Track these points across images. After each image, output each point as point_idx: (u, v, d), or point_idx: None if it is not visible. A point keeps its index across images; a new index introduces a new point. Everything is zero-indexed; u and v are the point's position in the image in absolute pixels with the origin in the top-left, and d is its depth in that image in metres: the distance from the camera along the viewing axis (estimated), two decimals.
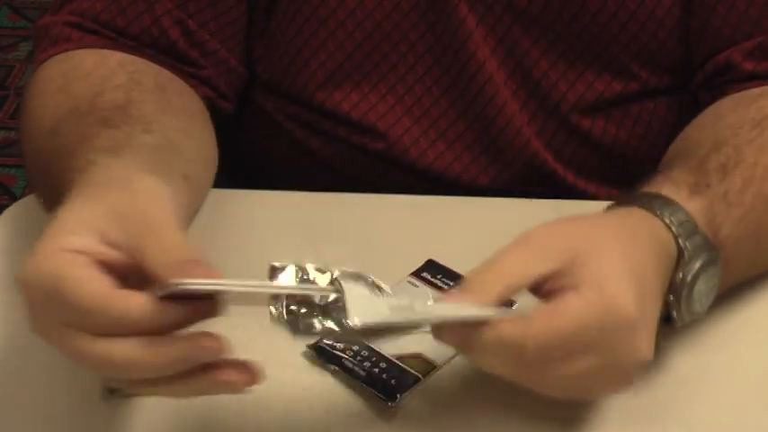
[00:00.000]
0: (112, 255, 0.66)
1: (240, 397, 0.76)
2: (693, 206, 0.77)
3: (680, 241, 0.75)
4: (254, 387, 0.76)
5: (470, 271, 0.70)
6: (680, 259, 0.75)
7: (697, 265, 0.75)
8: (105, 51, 0.91)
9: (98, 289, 0.64)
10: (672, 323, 0.76)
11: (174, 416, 0.75)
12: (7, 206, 0.93)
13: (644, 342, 0.70)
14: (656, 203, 0.76)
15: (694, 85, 0.97)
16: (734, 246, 0.79)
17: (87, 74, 0.89)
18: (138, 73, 0.89)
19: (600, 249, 0.71)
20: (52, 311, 0.66)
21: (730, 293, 0.83)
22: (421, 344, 0.78)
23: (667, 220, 0.75)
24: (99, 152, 0.76)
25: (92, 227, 0.67)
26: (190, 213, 0.83)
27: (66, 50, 0.92)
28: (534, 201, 0.93)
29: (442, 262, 0.85)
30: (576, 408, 0.76)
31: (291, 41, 0.97)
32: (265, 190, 0.94)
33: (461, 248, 0.86)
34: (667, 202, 0.76)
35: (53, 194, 0.79)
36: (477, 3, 0.94)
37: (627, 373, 0.71)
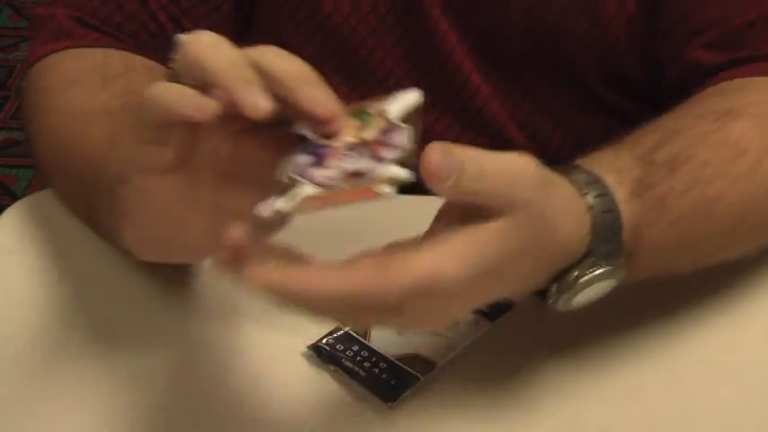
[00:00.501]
0: None
1: (240, 397, 0.76)
2: (627, 208, 0.72)
3: (593, 244, 0.70)
4: (254, 387, 0.77)
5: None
6: (583, 258, 0.70)
7: (595, 272, 0.71)
8: (124, 53, 0.91)
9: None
10: (545, 302, 0.72)
11: (173, 416, 0.75)
12: (8, 206, 0.93)
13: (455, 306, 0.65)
14: (592, 191, 0.71)
15: (665, 97, 0.93)
16: (652, 250, 0.75)
17: (120, 74, 0.88)
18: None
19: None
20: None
21: (731, 293, 0.83)
22: (421, 344, 0.78)
23: (594, 218, 0.70)
24: None
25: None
26: None
27: (70, 47, 0.92)
28: None
29: None
30: (576, 409, 0.76)
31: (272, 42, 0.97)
32: None
33: None
34: (605, 197, 0.71)
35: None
36: (448, 8, 0.94)
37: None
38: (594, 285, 0.71)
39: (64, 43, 0.92)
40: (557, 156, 0.99)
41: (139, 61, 0.91)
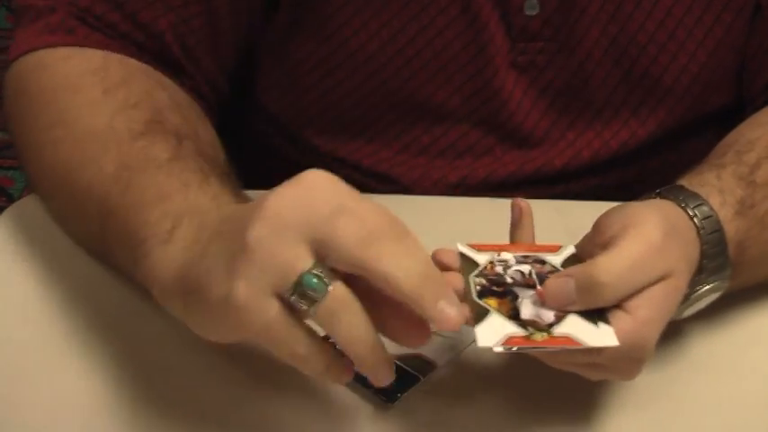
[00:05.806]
0: None
1: (240, 397, 0.76)
2: (732, 227, 0.77)
3: (703, 262, 0.75)
4: (254, 387, 0.76)
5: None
6: (694, 275, 0.75)
7: (705, 288, 0.76)
8: (122, 57, 0.89)
9: None
10: None
11: (173, 415, 0.75)
12: (5, 208, 0.92)
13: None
14: (700, 213, 0.76)
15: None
16: (754, 263, 0.80)
17: (119, 83, 0.85)
18: (175, 93, 0.90)
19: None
20: None
21: (731, 293, 0.83)
22: None
23: (703, 240, 0.75)
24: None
25: None
26: None
27: (68, 44, 0.88)
28: (536, 201, 0.93)
29: None
30: (575, 410, 0.76)
31: (305, 93, 0.98)
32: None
33: None
34: (711, 218, 0.76)
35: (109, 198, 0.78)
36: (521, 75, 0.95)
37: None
38: (704, 299, 0.77)
39: (63, 39, 0.88)
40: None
41: (136, 67, 0.89)
